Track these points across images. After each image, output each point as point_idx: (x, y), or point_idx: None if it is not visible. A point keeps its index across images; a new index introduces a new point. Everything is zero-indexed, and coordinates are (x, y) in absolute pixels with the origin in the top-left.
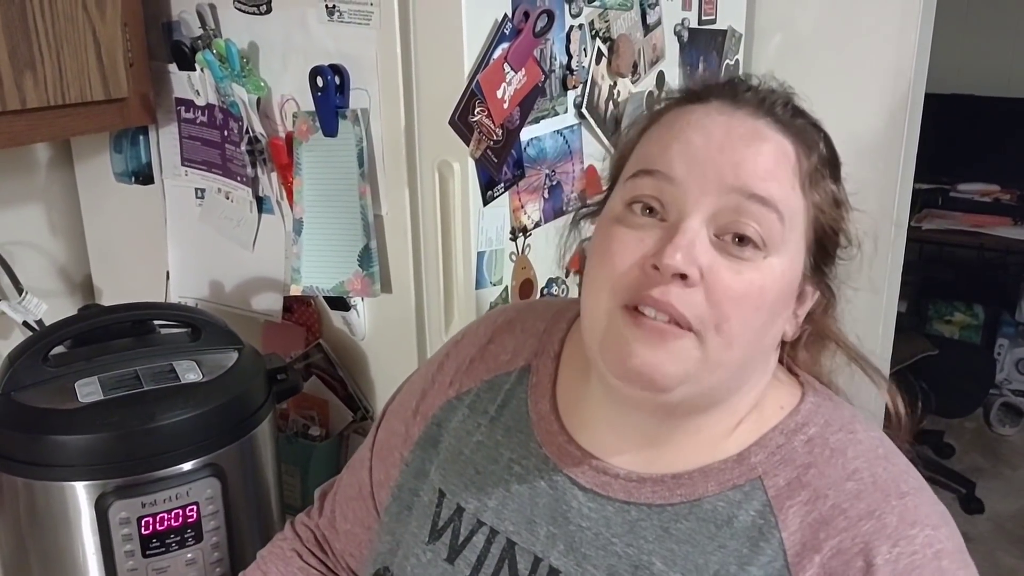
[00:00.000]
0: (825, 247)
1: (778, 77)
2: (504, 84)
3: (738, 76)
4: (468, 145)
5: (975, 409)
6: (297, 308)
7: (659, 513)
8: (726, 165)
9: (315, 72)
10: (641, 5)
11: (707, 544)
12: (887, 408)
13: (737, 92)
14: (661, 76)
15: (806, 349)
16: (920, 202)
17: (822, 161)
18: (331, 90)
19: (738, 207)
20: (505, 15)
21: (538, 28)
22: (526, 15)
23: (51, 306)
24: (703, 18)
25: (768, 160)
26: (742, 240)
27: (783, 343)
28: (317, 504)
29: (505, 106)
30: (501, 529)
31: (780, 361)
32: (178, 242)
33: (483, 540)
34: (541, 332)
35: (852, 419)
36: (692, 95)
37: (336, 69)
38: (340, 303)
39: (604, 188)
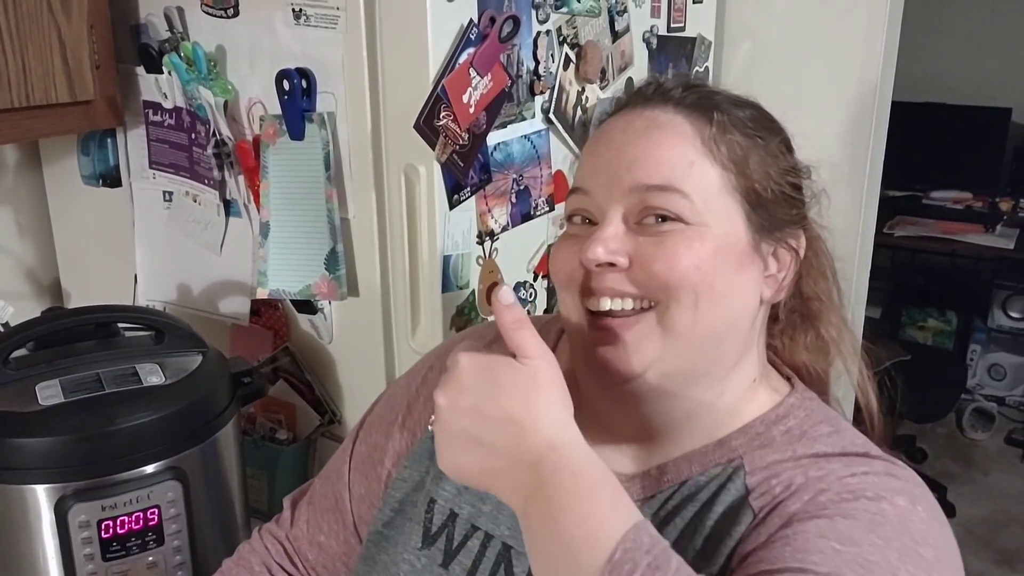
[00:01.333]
0: (763, 203)
1: (746, 84)
2: (470, 89)
3: (647, 80)
4: (434, 149)
5: (947, 414)
6: (265, 311)
7: (648, 502)
8: (622, 169)
9: (281, 75)
10: (609, 12)
11: (693, 517)
12: (857, 402)
13: (639, 95)
14: (630, 82)
15: (793, 340)
16: (893, 209)
17: (728, 121)
18: (297, 93)
19: (643, 201)
20: (471, 20)
21: (504, 33)
22: (492, 20)
23: (19, 309)
24: (672, 26)
25: (659, 148)
26: (660, 219)
27: (775, 332)
28: (287, 513)
29: (471, 111)
30: (496, 533)
31: (785, 366)
32: (146, 245)
33: (478, 544)
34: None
35: (836, 419)
36: (615, 109)
37: (302, 72)
38: (307, 306)
39: None
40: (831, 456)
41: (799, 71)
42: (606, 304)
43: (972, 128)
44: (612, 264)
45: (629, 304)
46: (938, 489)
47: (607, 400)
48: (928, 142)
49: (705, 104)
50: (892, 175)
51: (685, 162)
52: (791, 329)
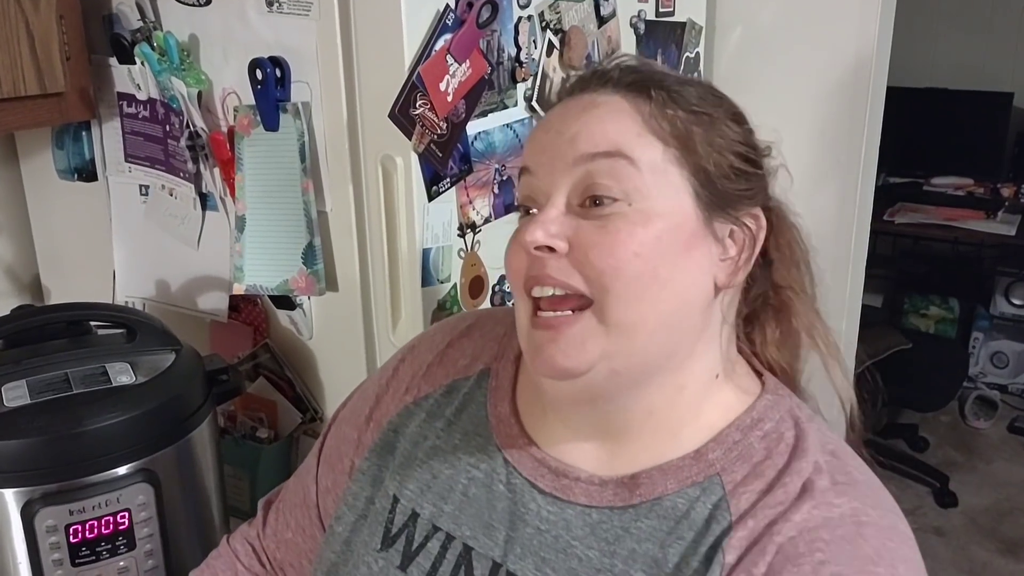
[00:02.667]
0: (712, 180)
1: (738, 70)
2: (447, 76)
3: (594, 65)
4: (410, 139)
5: (949, 403)
6: (244, 307)
7: (620, 515)
8: (564, 144)
9: (254, 64)
10: None
11: (666, 539)
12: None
13: (580, 81)
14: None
15: (763, 329)
16: (894, 196)
17: (668, 98)
18: (271, 83)
19: (588, 172)
20: (447, 5)
21: (482, 19)
22: (469, 5)
23: None
24: (661, 10)
25: (600, 122)
26: (601, 199)
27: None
28: (260, 515)
29: (449, 99)
30: (458, 534)
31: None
32: (123, 240)
33: (438, 546)
34: (501, 336)
35: (808, 419)
36: (556, 100)
37: (276, 61)
38: (286, 302)
39: None
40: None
41: (792, 56)
42: (547, 291)
43: (973, 113)
44: (552, 249)
45: (567, 304)
46: (941, 479)
47: (565, 400)
48: (929, 128)
49: (644, 83)
50: (893, 161)
51: (631, 133)
52: (762, 322)
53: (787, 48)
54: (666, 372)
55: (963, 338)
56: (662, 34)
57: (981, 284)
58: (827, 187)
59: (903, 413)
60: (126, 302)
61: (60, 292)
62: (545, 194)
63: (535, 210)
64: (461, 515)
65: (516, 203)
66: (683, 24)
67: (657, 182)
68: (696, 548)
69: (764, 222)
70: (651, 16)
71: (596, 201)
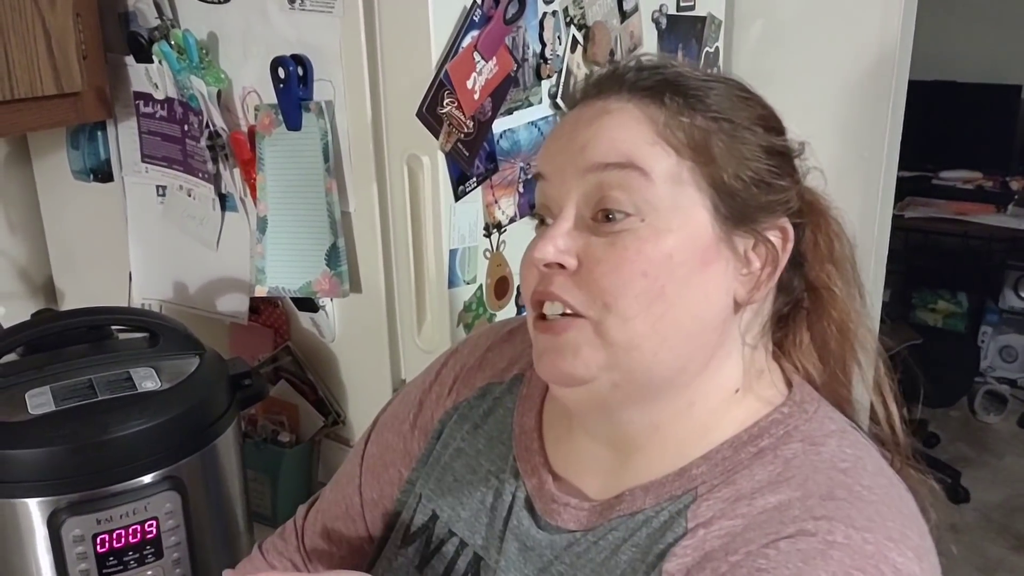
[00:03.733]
0: (732, 192)
1: (759, 65)
2: (474, 74)
3: (608, 64)
4: (437, 138)
5: (960, 398)
6: (264, 309)
7: (595, 531)
8: (575, 152)
9: (276, 63)
10: None
11: (621, 545)
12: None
13: (595, 84)
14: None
15: (800, 333)
16: (903, 190)
17: (683, 104)
18: (293, 82)
19: (600, 182)
20: (474, 2)
21: (509, 15)
22: (496, 1)
23: (11, 309)
24: (682, 4)
25: (610, 130)
26: (613, 213)
27: (779, 336)
28: (295, 527)
29: (476, 97)
30: (470, 542)
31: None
32: (140, 242)
33: (452, 551)
34: None
35: (827, 435)
36: (571, 103)
37: (298, 60)
38: (308, 304)
39: None
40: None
41: (813, 50)
42: (557, 309)
43: (982, 107)
44: (562, 266)
45: (559, 309)
46: (952, 474)
47: (574, 406)
48: (937, 121)
49: (659, 88)
50: (901, 155)
51: (644, 143)
52: (794, 327)
53: (808, 42)
54: (675, 388)
55: (972, 333)
56: (683, 29)
57: (990, 278)
58: (849, 182)
59: (912, 408)
60: (143, 304)
61: (74, 294)
62: (557, 203)
63: (549, 219)
64: (476, 523)
65: (535, 209)
66: (703, 19)
67: (671, 195)
68: (645, 555)
69: (791, 233)
70: (672, 11)
71: (607, 216)
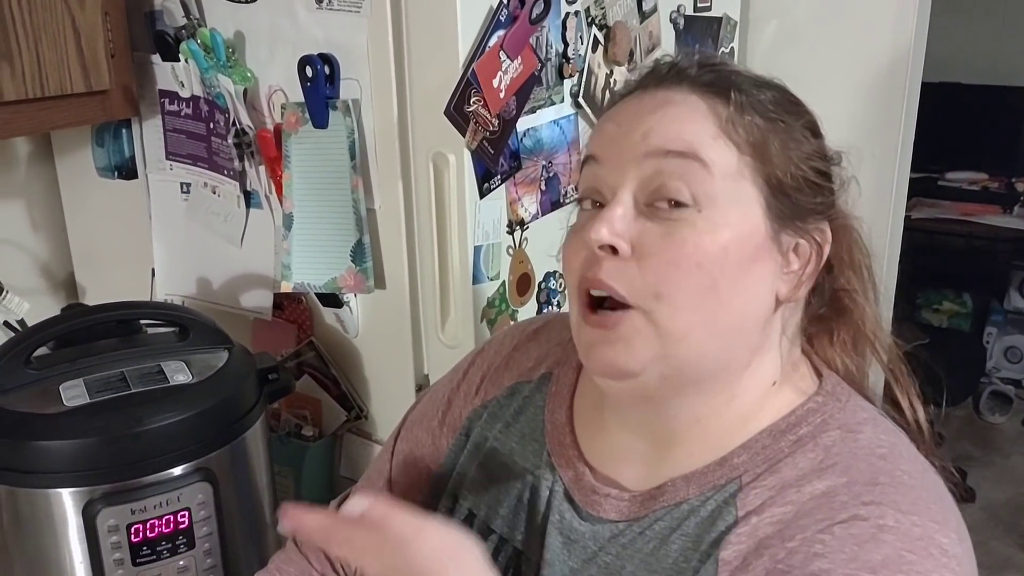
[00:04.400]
0: (785, 192)
1: (772, 65)
2: (500, 73)
3: (660, 59)
4: (464, 136)
5: (965, 398)
6: (288, 305)
7: (640, 522)
8: (636, 137)
9: (304, 62)
10: None
11: (671, 535)
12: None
13: (653, 74)
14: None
15: (829, 337)
16: (910, 191)
17: (747, 102)
18: (321, 80)
19: (659, 169)
20: (500, 1)
21: (534, 15)
22: (521, 1)
23: (33, 305)
24: (699, 5)
25: (675, 120)
26: (673, 202)
27: (809, 329)
28: None
29: (501, 95)
30: (510, 539)
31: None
32: (163, 238)
33: (492, 548)
34: (566, 341)
35: (861, 422)
36: (622, 94)
37: (325, 59)
38: (332, 300)
39: None
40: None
41: (827, 51)
42: (603, 293)
43: (988, 108)
44: (615, 250)
45: (607, 300)
46: (958, 474)
47: (619, 398)
48: (943, 122)
49: (722, 83)
50: None
51: (706, 135)
52: (825, 326)
53: (822, 43)
54: (719, 382)
55: (977, 333)
56: (699, 29)
57: (995, 279)
58: (862, 183)
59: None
60: (166, 299)
61: (95, 290)
62: (611, 188)
63: (597, 202)
64: (514, 519)
65: (579, 193)
66: (719, 19)
67: (729, 189)
68: (697, 544)
69: (830, 236)
70: (689, 11)
71: (669, 202)
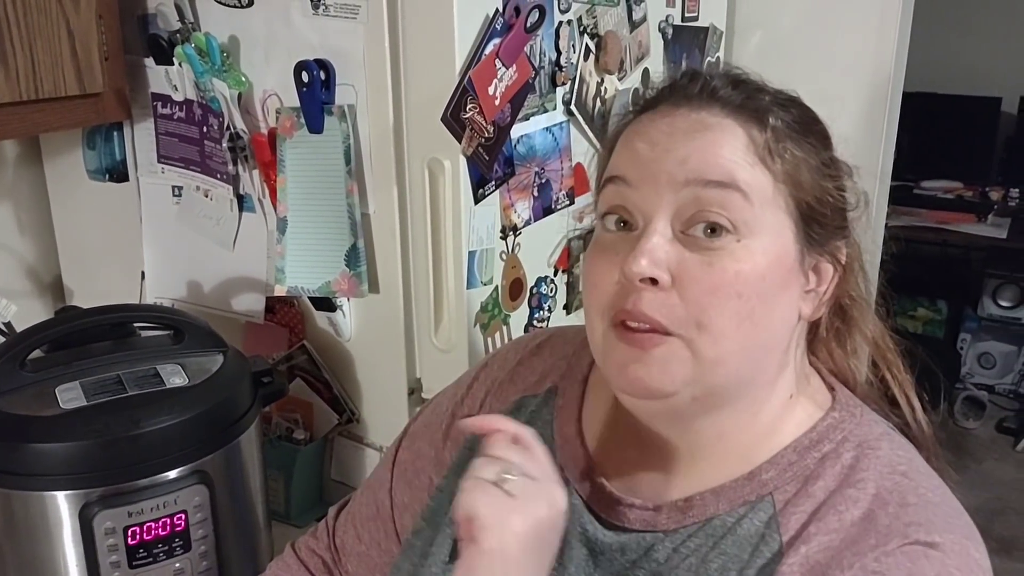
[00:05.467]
0: (814, 216)
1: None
2: (496, 80)
3: (684, 72)
4: (460, 142)
5: (940, 404)
6: (280, 309)
7: (672, 536)
8: (673, 163)
9: (300, 67)
10: (627, 1)
11: (709, 553)
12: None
13: (680, 90)
14: (646, 73)
15: (839, 346)
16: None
17: (782, 128)
18: (316, 85)
19: (698, 198)
20: (497, 10)
21: (530, 23)
22: (517, 10)
23: (20, 307)
24: (686, 15)
25: (714, 146)
26: (711, 230)
27: (816, 339)
28: (325, 526)
29: (497, 103)
30: None
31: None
32: (154, 241)
33: None
34: (570, 355)
35: (878, 437)
36: (644, 106)
37: (321, 64)
38: (325, 303)
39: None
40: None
41: (810, 61)
42: (633, 324)
43: (963, 118)
44: (654, 281)
45: (646, 327)
46: None
47: (642, 416)
48: (919, 131)
49: (754, 106)
50: None
51: (744, 163)
52: (832, 337)
53: (805, 53)
54: (744, 399)
55: (951, 339)
56: (687, 38)
57: (969, 286)
58: None
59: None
60: (156, 302)
61: (83, 292)
62: (644, 213)
63: (624, 221)
64: None
65: (600, 212)
66: (706, 29)
67: (765, 216)
68: (741, 568)
69: (844, 253)
70: (677, 21)
71: (708, 230)
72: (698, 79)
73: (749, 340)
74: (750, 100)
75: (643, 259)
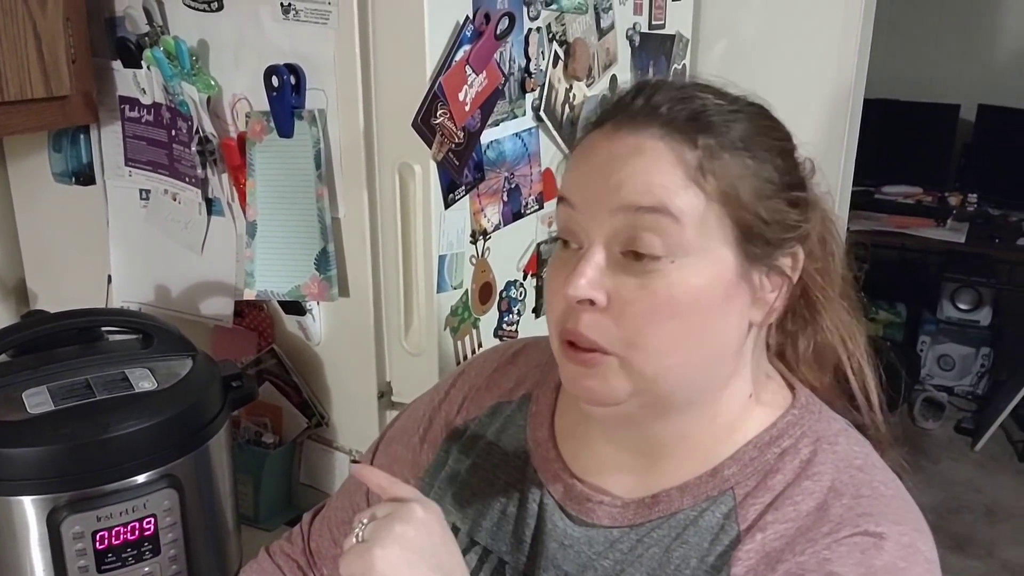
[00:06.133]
0: (756, 231)
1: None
2: (466, 86)
3: (631, 88)
4: (430, 148)
5: (900, 405)
6: (249, 312)
7: (637, 529)
8: (609, 189)
9: (270, 71)
10: (596, 9)
11: (672, 543)
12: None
13: (623, 108)
14: (614, 79)
15: (798, 343)
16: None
17: (717, 147)
18: (287, 90)
19: (631, 223)
20: (467, 17)
21: (499, 30)
22: (487, 17)
23: None
24: (653, 23)
25: (645, 173)
26: (645, 253)
27: (781, 339)
28: (300, 530)
29: (467, 108)
30: (494, 549)
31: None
32: (121, 245)
33: (475, 559)
34: (543, 364)
35: (835, 433)
36: (595, 122)
37: (292, 68)
38: (295, 307)
39: None
40: (818, 515)
41: (774, 68)
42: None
43: (922, 125)
44: (592, 302)
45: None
46: None
47: (605, 420)
48: (880, 138)
49: (694, 125)
50: None
51: (676, 186)
52: (793, 335)
53: (769, 61)
54: (699, 404)
55: (911, 342)
56: (653, 46)
57: (928, 290)
58: None
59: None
60: (123, 306)
61: (48, 297)
62: (586, 235)
63: (574, 244)
64: (498, 531)
65: (557, 229)
66: (673, 37)
67: (699, 236)
68: (702, 556)
69: (801, 258)
70: (645, 28)
71: (642, 253)
72: (641, 95)
73: (692, 354)
74: (690, 117)
75: (580, 280)
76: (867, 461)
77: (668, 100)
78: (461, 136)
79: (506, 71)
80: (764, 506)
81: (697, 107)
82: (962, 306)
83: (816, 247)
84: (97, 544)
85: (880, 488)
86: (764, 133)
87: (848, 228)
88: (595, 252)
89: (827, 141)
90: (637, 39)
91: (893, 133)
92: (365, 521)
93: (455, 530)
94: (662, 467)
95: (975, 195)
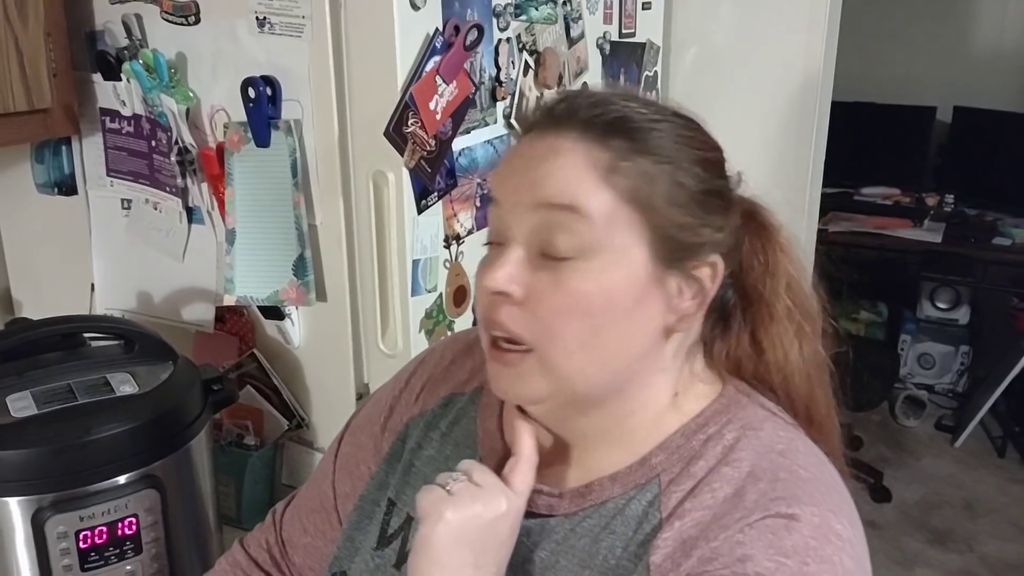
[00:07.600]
0: (671, 237)
1: (693, 88)
2: (436, 96)
3: (557, 96)
4: (403, 155)
5: (881, 403)
6: (229, 318)
7: (570, 518)
8: (528, 187)
9: (247, 83)
10: (565, 19)
11: (600, 533)
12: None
13: (548, 113)
14: (585, 87)
15: (734, 340)
16: (826, 206)
17: (630, 150)
18: (263, 101)
19: (547, 221)
20: (437, 29)
21: (469, 42)
22: (456, 29)
23: None
24: (623, 31)
25: (561, 171)
26: (558, 251)
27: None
28: (271, 519)
29: (438, 117)
30: None
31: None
32: (103, 253)
33: None
34: None
35: (761, 420)
36: (525, 128)
37: (268, 80)
38: (275, 312)
39: None
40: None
41: (743, 74)
42: (500, 333)
43: (900, 127)
44: (508, 295)
45: (505, 339)
46: (874, 475)
47: (534, 418)
48: (858, 140)
49: (610, 129)
50: (825, 172)
51: (589, 186)
52: (731, 333)
53: (738, 66)
54: (616, 402)
55: (892, 341)
56: (624, 54)
57: (907, 289)
58: (777, 199)
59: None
60: (106, 314)
61: (32, 305)
62: (509, 231)
63: (500, 243)
64: None
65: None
66: (643, 45)
67: (611, 235)
68: (626, 544)
69: (721, 268)
70: (615, 37)
71: (555, 250)
72: (565, 102)
73: (600, 354)
74: (608, 124)
75: (498, 273)
76: (790, 446)
77: (589, 106)
78: (433, 144)
79: (477, 80)
80: (684, 493)
81: (617, 113)
82: (941, 305)
83: (751, 260)
84: (80, 543)
85: (799, 472)
86: (684, 142)
87: (828, 229)
88: (515, 248)
89: (796, 143)
90: (607, 47)
91: (871, 135)
92: (464, 477)
93: (409, 520)
94: (591, 457)
95: (951, 195)
